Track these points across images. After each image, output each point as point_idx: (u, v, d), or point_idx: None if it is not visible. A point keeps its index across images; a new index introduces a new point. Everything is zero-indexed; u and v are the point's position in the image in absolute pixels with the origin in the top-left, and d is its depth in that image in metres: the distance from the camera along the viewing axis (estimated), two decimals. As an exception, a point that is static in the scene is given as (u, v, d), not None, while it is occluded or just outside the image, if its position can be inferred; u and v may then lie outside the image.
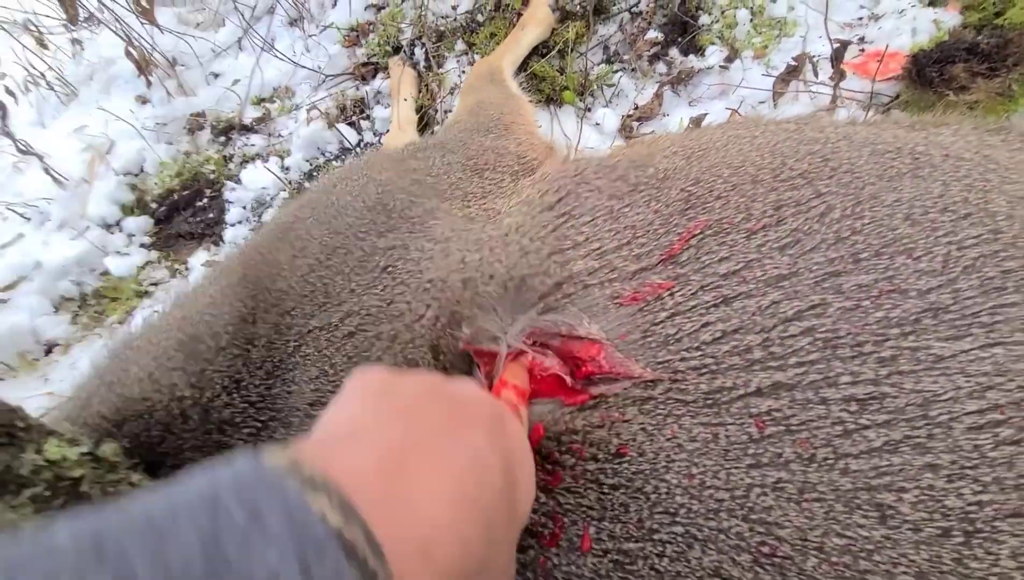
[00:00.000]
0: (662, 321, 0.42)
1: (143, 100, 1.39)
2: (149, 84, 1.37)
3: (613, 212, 0.50)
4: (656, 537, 0.38)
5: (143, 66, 1.33)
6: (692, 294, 0.43)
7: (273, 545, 0.18)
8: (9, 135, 1.25)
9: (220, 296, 0.61)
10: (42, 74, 1.45)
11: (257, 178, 1.20)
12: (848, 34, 0.97)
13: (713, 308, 0.42)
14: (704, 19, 1.06)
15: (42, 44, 1.47)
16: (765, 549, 0.36)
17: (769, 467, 0.37)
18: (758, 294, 0.41)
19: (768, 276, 0.42)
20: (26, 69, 1.44)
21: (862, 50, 0.95)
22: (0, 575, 0.16)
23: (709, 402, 0.39)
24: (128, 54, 1.31)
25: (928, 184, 0.44)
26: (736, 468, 0.37)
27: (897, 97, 0.89)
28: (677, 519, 0.38)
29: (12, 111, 1.29)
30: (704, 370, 0.40)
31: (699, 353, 0.40)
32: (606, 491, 0.39)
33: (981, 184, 0.43)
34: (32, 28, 1.45)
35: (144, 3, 1.28)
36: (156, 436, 0.53)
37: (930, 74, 0.85)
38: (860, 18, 0.99)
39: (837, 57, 0.85)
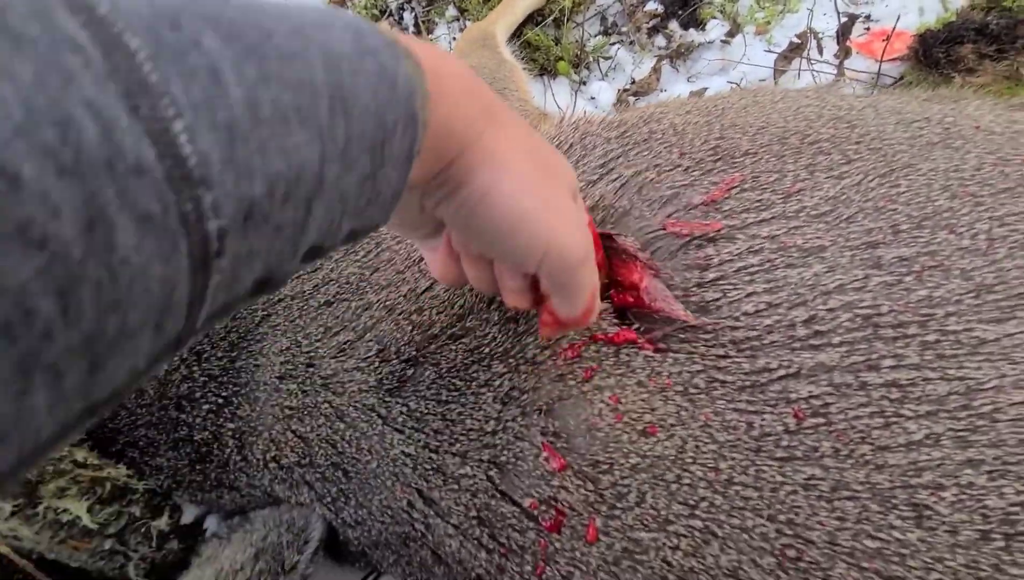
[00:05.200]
0: (707, 282, 0.38)
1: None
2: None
3: (628, 156, 0.45)
4: (671, 529, 0.35)
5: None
6: (737, 254, 0.38)
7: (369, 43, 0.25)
8: None
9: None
10: None
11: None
12: (854, 12, 0.93)
13: (760, 273, 0.37)
14: (706, -9, 1.02)
15: None
16: (791, 553, 0.32)
17: (802, 462, 0.33)
18: (799, 264, 0.37)
19: (809, 245, 0.38)
20: None
21: (867, 29, 0.92)
22: None
23: (748, 384, 0.35)
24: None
25: (962, 155, 0.41)
26: (767, 464, 0.34)
27: (901, 78, 0.86)
28: (696, 512, 0.34)
29: None
30: (745, 346, 0.36)
31: (741, 325, 0.36)
32: (625, 472, 0.36)
33: (1016, 158, 0.40)
34: None
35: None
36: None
37: (937, 55, 0.82)
38: (866, -4, 0.96)
39: (844, 32, 0.82)
